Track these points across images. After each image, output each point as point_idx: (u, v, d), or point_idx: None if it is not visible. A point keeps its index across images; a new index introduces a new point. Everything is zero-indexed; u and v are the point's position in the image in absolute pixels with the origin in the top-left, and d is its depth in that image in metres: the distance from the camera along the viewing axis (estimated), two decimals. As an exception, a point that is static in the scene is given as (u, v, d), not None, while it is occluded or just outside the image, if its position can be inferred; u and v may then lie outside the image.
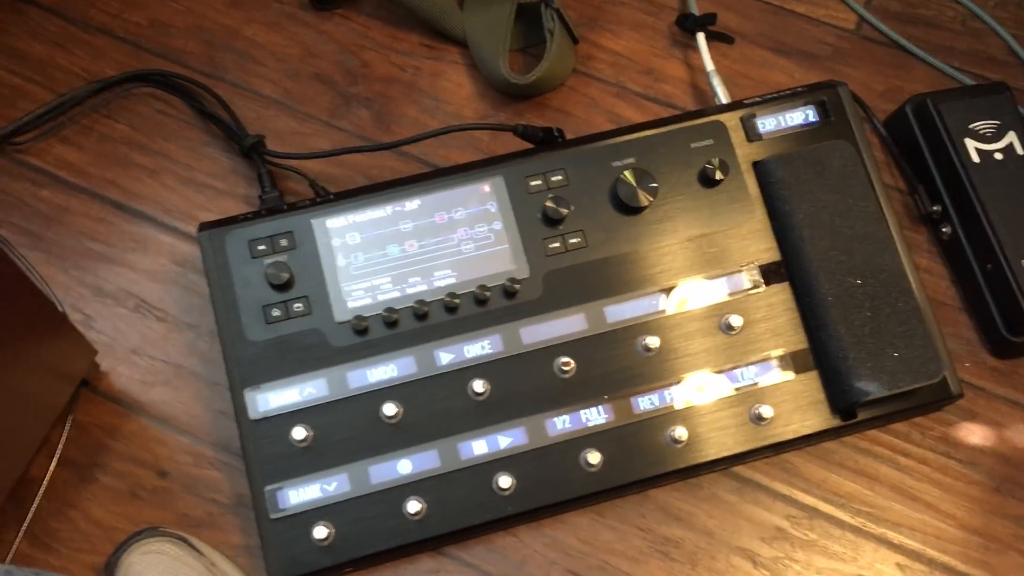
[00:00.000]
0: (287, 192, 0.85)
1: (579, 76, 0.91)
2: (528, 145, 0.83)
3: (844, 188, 0.78)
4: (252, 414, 0.73)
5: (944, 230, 0.85)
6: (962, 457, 0.79)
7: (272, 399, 0.73)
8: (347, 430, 0.73)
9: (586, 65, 0.92)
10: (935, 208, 0.85)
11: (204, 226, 0.77)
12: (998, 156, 0.83)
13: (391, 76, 0.90)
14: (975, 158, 0.83)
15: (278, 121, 0.88)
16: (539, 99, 0.90)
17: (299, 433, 0.72)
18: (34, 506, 0.75)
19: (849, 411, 0.75)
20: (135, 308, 0.81)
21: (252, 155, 0.84)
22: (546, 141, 0.83)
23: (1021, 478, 0.78)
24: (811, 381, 0.76)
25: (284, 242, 0.76)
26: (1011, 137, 0.84)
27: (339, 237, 0.76)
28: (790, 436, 0.75)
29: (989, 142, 0.84)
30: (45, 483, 0.75)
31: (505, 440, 0.73)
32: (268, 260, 0.75)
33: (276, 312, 0.74)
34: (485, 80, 0.90)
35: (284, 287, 0.75)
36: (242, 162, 0.86)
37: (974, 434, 0.80)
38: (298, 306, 0.75)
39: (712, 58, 0.88)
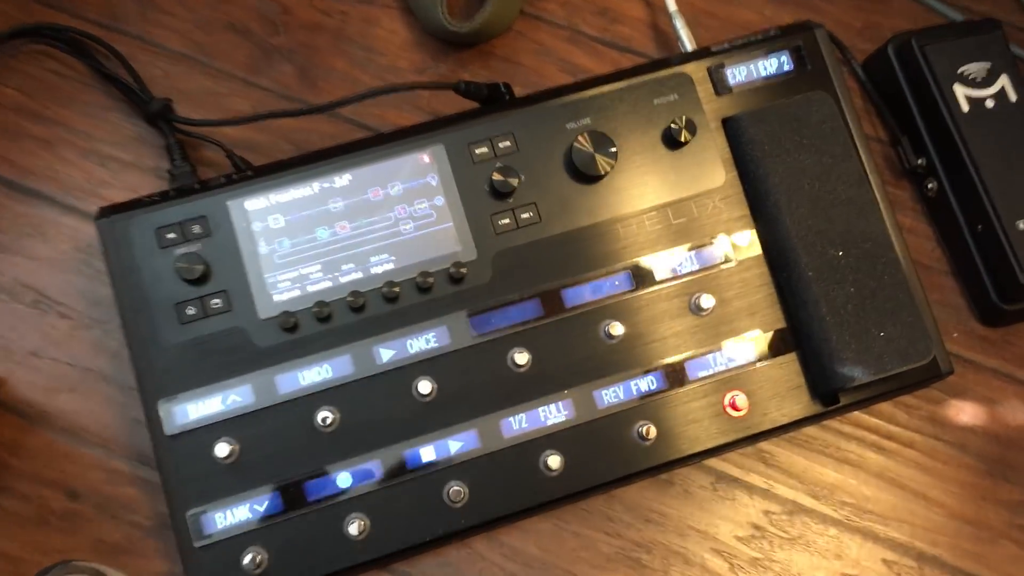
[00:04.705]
0: (202, 163, 0.75)
1: (527, 19, 0.82)
2: (473, 104, 0.74)
3: (824, 147, 0.70)
4: (168, 429, 0.64)
5: (929, 186, 0.78)
6: (951, 438, 0.73)
7: (191, 410, 0.65)
8: (278, 442, 0.65)
9: (534, 6, 0.82)
10: (920, 161, 0.78)
11: (104, 212, 0.67)
12: (989, 104, 0.75)
13: (316, 23, 0.80)
14: (964, 106, 0.75)
15: (189, 80, 0.78)
16: (483, 47, 0.80)
17: (223, 449, 0.64)
18: (-71, 535, 0.67)
19: (831, 396, 0.69)
20: (33, 303, 0.72)
21: (159, 123, 0.74)
22: (492, 99, 0.74)
23: (1013, 459, 0.73)
24: (790, 364, 0.69)
25: (197, 228, 0.67)
26: (1003, 81, 0.76)
27: (260, 220, 0.67)
28: (768, 426, 0.68)
29: (979, 87, 0.76)
30: (-60, 509, 0.67)
31: (456, 445, 0.66)
32: (179, 250, 0.66)
33: (191, 310, 0.66)
34: (422, 26, 0.80)
35: (199, 281, 0.66)
36: (149, 128, 0.76)
37: (963, 412, 0.74)
38: (216, 302, 0.66)
39: (674, -4, 0.79)
